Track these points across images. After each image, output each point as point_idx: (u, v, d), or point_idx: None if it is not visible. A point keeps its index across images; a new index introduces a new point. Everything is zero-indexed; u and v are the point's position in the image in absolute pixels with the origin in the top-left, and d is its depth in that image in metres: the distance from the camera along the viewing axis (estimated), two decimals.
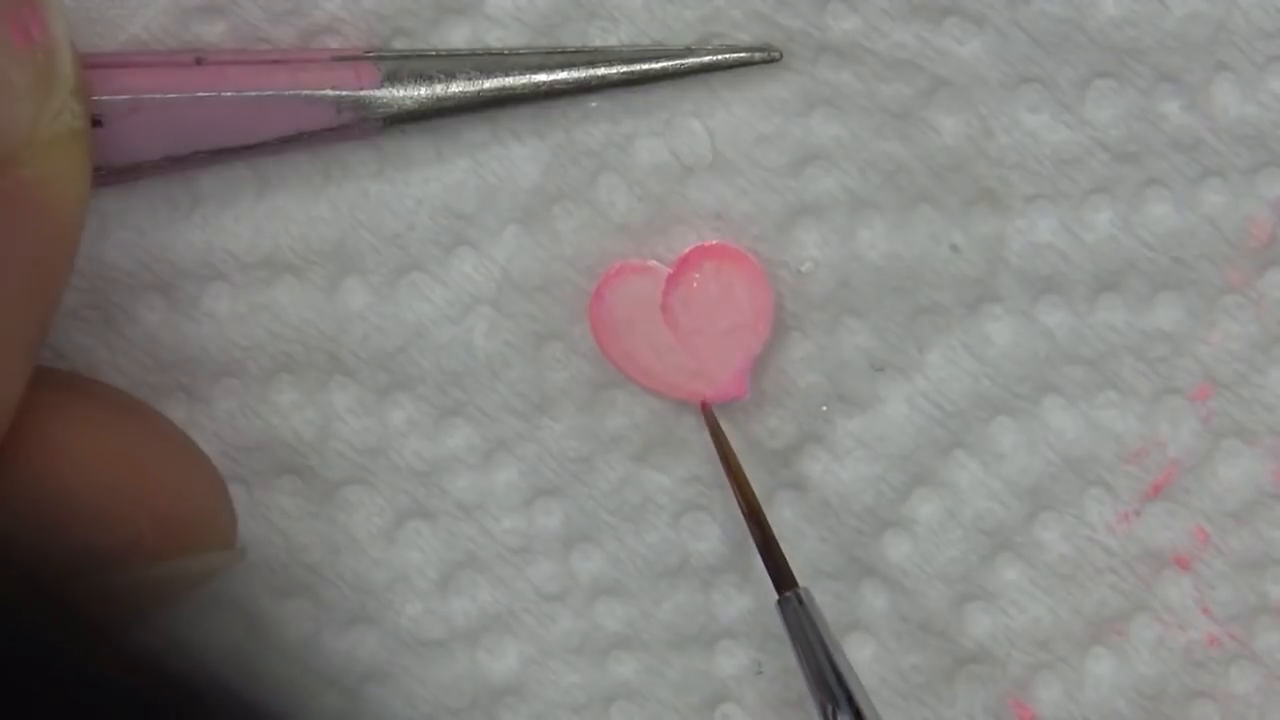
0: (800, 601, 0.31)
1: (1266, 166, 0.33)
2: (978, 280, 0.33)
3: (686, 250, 0.33)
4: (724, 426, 0.33)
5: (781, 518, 0.33)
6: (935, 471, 0.33)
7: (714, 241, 0.33)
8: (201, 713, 0.22)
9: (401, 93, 0.32)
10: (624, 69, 0.32)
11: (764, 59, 0.33)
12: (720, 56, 0.32)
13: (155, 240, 0.33)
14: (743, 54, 0.33)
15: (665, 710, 0.33)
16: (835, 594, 0.33)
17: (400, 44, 0.32)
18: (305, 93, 0.31)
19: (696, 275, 0.33)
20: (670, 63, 0.32)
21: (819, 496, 0.33)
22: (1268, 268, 0.33)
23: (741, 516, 0.32)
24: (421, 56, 0.32)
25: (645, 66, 0.32)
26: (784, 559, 0.32)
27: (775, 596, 0.31)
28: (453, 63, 0.32)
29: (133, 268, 0.32)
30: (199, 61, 0.31)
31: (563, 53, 0.32)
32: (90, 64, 0.29)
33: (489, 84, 0.32)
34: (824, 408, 0.33)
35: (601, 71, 0.32)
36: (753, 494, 0.32)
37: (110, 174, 0.31)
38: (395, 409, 0.33)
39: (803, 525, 0.33)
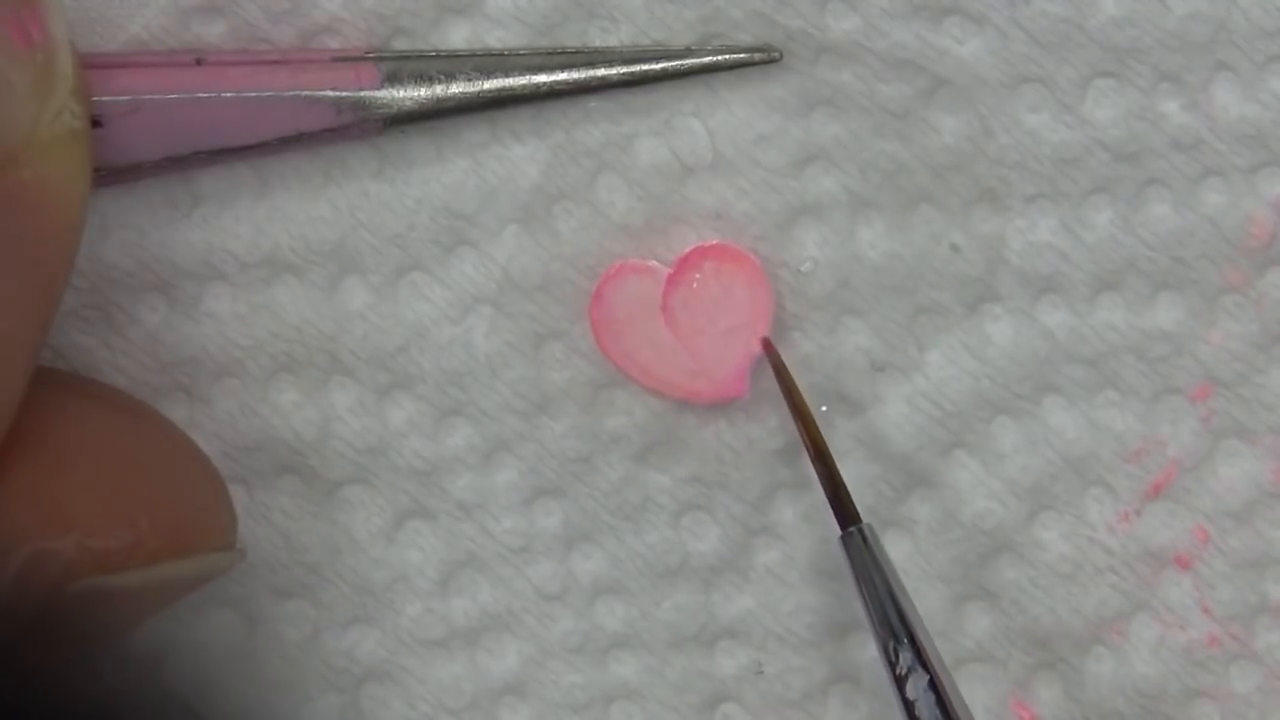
0: (864, 538, 0.31)
1: (1266, 166, 0.33)
2: (978, 280, 0.33)
3: (686, 250, 0.33)
4: (724, 425, 0.33)
5: (782, 517, 0.33)
6: (935, 471, 0.33)
7: (714, 241, 0.33)
8: None
9: (401, 93, 0.32)
10: (624, 69, 0.32)
11: (764, 59, 0.33)
12: (720, 56, 0.32)
13: (155, 240, 0.33)
14: (743, 54, 0.33)
15: (665, 710, 0.33)
16: (836, 594, 0.33)
17: (400, 44, 0.32)
18: (305, 93, 0.31)
19: (696, 275, 0.33)
20: (670, 63, 0.32)
21: (819, 496, 0.33)
22: (1268, 267, 0.33)
23: (806, 454, 0.32)
24: (421, 57, 0.32)
25: (645, 67, 0.32)
26: (848, 494, 0.31)
27: (778, 591, 0.31)
28: (453, 63, 0.32)
29: (133, 268, 0.32)
30: (199, 62, 0.31)
31: (563, 53, 0.32)
32: (90, 64, 0.29)
33: (489, 84, 0.32)
34: (824, 408, 0.33)
35: (601, 72, 0.32)
36: (816, 429, 0.32)
37: (110, 174, 0.31)
38: (395, 409, 0.33)
39: (803, 525, 0.33)
